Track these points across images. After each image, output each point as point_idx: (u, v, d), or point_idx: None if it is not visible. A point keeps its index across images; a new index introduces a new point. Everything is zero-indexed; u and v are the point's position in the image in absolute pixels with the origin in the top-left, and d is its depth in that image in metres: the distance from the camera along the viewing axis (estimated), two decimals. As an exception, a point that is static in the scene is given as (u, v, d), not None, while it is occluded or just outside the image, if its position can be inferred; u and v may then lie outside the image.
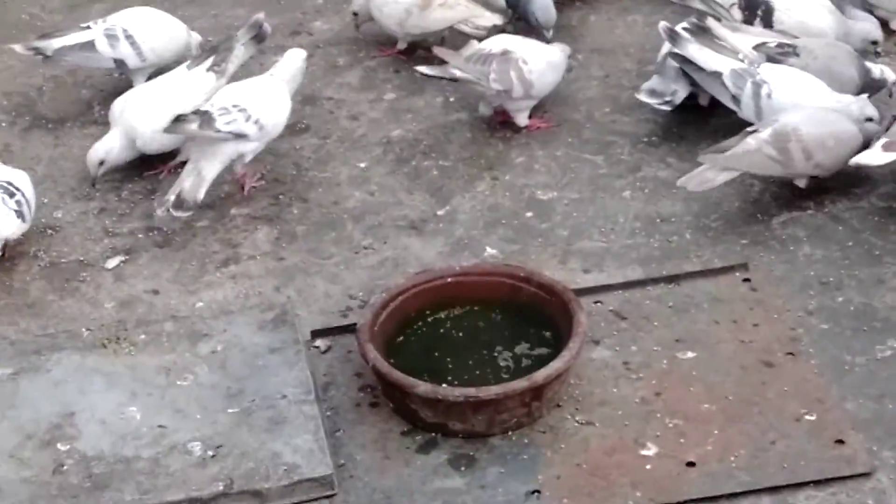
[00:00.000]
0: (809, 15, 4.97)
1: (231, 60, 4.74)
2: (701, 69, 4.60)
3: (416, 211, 4.51)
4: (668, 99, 4.77)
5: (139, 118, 4.58)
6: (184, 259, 4.37)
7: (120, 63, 4.89)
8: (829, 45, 4.77)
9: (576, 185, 4.56)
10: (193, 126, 4.39)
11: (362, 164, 4.73)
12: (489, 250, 4.33)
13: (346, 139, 4.82)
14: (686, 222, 4.37)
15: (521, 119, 4.84)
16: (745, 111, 4.47)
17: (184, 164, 4.57)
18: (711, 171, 4.31)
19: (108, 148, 4.58)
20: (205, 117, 4.44)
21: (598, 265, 4.22)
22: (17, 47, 4.96)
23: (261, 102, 4.57)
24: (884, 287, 4.00)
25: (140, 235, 4.48)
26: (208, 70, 4.71)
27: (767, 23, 4.97)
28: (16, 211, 4.33)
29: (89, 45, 4.88)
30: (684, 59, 4.63)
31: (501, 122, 4.84)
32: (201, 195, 4.42)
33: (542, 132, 4.84)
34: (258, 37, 4.82)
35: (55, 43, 4.87)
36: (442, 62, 4.81)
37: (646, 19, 5.32)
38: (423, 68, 4.86)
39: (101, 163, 4.57)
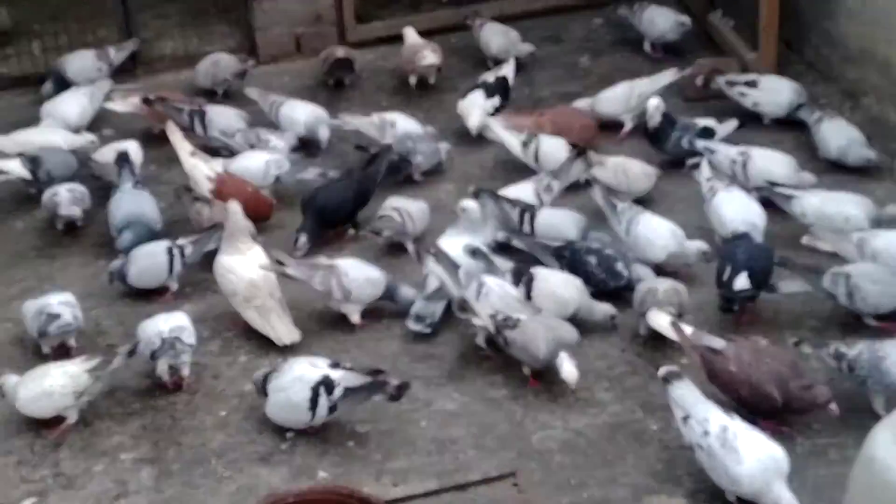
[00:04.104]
0: (561, 287, 4.95)
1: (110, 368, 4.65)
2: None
3: (264, 447, 4.57)
4: (430, 322, 4.84)
5: (21, 386, 4.62)
6: (84, 497, 4.40)
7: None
8: (551, 319, 4.76)
9: (385, 420, 4.63)
10: None
11: (223, 413, 4.76)
12: (322, 473, 4.42)
13: (210, 394, 4.84)
14: (469, 443, 4.50)
15: (354, 318, 4.94)
16: None
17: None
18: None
19: None
20: None
21: (404, 479, 4.36)
22: None
23: None
24: (616, 483, 4.27)
25: (49, 480, 4.48)
26: (86, 367, 4.63)
27: (529, 289, 4.91)
28: None
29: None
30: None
31: None
32: None
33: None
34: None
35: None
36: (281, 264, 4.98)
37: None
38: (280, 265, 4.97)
39: None
